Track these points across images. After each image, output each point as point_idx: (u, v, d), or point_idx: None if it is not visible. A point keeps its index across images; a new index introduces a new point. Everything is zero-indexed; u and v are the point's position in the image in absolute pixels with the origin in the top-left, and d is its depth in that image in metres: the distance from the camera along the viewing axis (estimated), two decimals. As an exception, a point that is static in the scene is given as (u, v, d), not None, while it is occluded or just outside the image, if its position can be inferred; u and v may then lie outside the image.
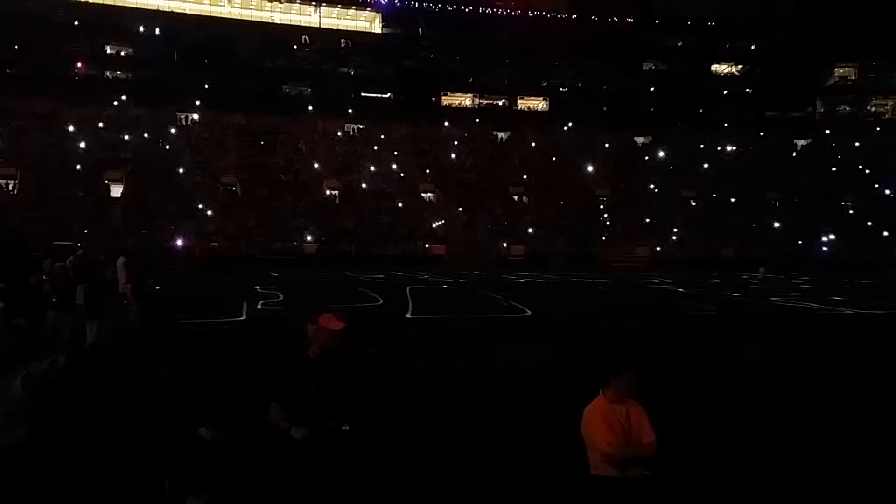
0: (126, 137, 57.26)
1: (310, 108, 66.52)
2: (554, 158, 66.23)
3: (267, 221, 52.52)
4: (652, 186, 63.34)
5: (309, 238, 52.42)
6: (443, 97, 72.82)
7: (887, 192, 59.32)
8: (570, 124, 70.14)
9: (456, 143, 67.55)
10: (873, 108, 72.33)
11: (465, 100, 74.19)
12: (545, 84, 74.10)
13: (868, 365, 12.75)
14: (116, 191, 53.56)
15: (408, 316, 19.71)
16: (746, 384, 10.88)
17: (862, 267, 46.97)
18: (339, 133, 66.63)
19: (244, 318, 18.57)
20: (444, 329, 17.16)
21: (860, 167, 64.10)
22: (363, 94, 69.54)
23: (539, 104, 74.97)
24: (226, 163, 58.64)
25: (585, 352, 13.33)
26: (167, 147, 58.34)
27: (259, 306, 21.04)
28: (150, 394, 9.27)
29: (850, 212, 60.21)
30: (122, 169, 54.07)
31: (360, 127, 67.97)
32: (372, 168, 61.70)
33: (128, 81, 63.81)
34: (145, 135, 58.27)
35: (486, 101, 74.41)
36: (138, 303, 13.24)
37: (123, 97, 61.04)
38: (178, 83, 61.50)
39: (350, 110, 67.82)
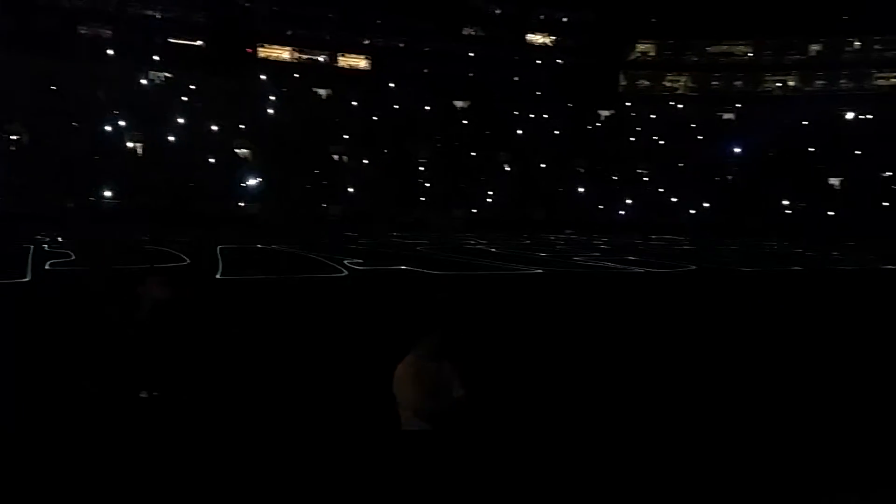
0: None
1: (110, 52, 60.93)
2: (375, 118, 65.84)
3: (59, 176, 47.63)
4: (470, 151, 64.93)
5: (108, 194, 48.36)
6: (259, 49, 69.63)
7: (679, 163, 64.96)
8: (391, 85, 69.90)
9: (273, 98, 65.05)
10: (668, 84, 78.62)
11: (284, 53, 71.45)
12: (367, 42, 73.12)
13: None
14: None
15: (217, 277, 18.73)
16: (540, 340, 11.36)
17: (656, 230, 51.54)
18: (144, 81, 61.76)
19: (28, 279, 16.76)
20: (252, 289, 16.51)
21: (655, 138, 69.62)
22: (171, 40, 64.80)
23: (361, 62, 73.91)
24: (11, 110, 52.28)
25: (399, 312, 13.29)
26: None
27: (47, 266, 19.06)
28: None
29: (646, 179, 65.36)
30: None
31: (168, 76, 63.40)
32: (181, 121, 57.90)
33: None
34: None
35: (305, 57, 72.14)
36: None
37: None
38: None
39: (156, 57, 62.99)
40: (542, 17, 77.76)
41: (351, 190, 56.23)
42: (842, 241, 43.43)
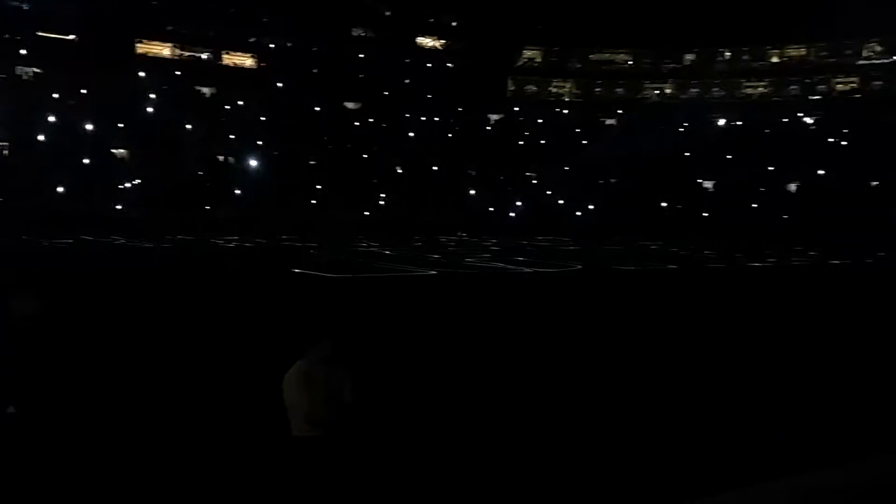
0: None
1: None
2: (263, 119, 64.19)
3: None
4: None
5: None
6: (138, 46, 66.45)
7: (565, 166, 66.98)
8: (280, 84, 68.42)
9: (153, 96, 62.24)
10: (554, 89, 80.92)
11: (164, 50, 68.49)
12: (254, 40, 71.22)
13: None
14: None
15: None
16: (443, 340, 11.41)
17: (543, 231, 52.95)
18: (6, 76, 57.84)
19: None
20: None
21: (542, 142, 71.49)
22: (41, 33, 60.83)
23: (247, 61, 71.91)
24: None
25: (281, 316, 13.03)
26: None
27: None
28: None
29: (534, 182, 66.98)
30: None
31: (37, 71, 59.50)
32: (52, 119, 54.43)
33: None
34: None
35: (188, 54, 69.42)
36: None
37: None
38: None
39: (23, 51, 59.00)
40: (431, 20, 78.20)
41: (238, 192, 54.57)
42: (713, 241, 46.15)
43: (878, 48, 72.35)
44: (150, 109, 60.92)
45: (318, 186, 59.02)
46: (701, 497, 5.49)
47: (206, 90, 67.36)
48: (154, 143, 55.47)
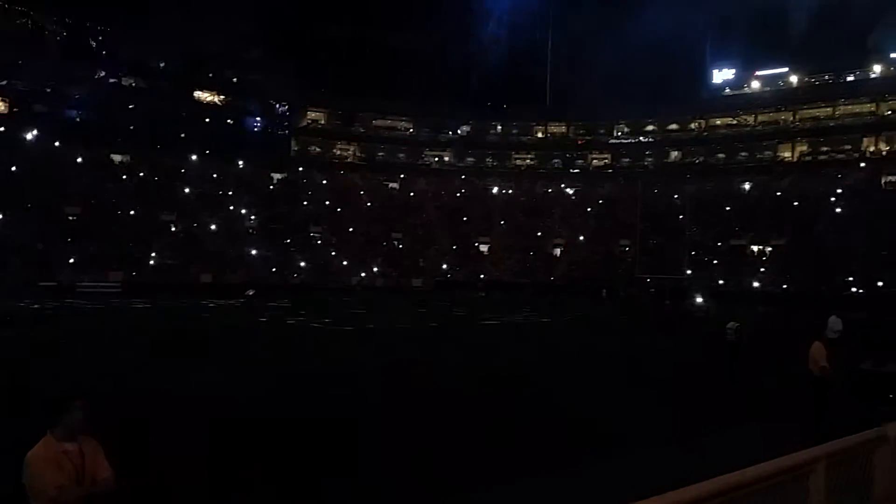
0: None
1: None
2: (14, 169, 57.42)
3: None
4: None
5: None
6: None
7: (350, 228, 67.25)
8: (34, 131, 61.95)
9: None
10: (339, 151, 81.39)
11: None
12: (4, 83, 63.90)
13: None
14: None
15: None
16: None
17: (332, 291, 52.34)
18: None
19: None
20: None
21: (327, 202, 71.30)
22: None
23: (-5, 104, 64.28)
24: None
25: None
26: None
27: None
28: None
29: (318, 242, 66.32)
30: None
31: None
32: None
33: None
34: None
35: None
36: None
37: None
38: None
39: None
40: (210, 74, 75.48)
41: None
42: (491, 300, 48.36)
43: (626, 129, 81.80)
44: None
45: (79, 244, 53.62)
46: None
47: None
48: None
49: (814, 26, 66.85)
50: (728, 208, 66.92)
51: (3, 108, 63.78)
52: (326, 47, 79.88)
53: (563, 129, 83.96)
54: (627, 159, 79.96)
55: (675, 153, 78.37)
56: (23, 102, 63.31)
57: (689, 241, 60.32)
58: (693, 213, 62.43)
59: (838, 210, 61.22)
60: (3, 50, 60.65)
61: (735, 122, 76.57)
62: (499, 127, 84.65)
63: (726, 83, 78.65)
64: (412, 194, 76.71)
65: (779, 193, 66.56)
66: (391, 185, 78.77)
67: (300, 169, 76.33)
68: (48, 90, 65.09)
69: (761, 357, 18.28)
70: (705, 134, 77.47)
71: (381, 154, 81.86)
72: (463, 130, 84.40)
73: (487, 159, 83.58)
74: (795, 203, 63.76)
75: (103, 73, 68.75)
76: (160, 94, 69.88)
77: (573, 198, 77.04)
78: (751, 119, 75.71)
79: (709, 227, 63.95)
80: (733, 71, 78.00)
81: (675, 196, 68.61)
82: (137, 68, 70.40)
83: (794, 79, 73.63)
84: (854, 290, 50.28)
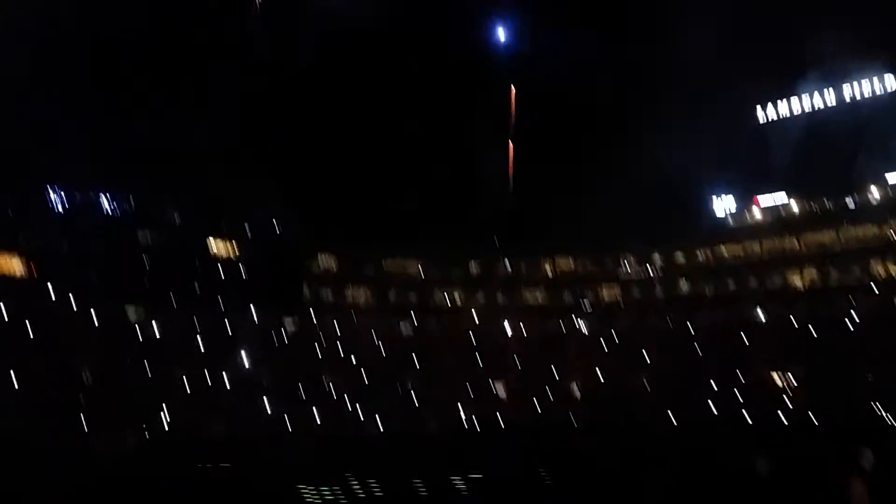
0: None
1: None
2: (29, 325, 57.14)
3: None
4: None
5: None
6: None
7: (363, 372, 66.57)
8: (49, 288, 62.18)
9: None
10: (349, 295, 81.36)
11: None
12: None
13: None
14: None
15: None
16: None
17: (341, 444, 50.68)
18: None
19: None
20: None
21: (339, 348, 70.74)
22: None
23: None
24: None
25: None
26: None
27: None
28: None
29: (331, 389, 65.26)
30: None
31: None
32: None
33: None
34: None
35: None
36: None
37: None
38: None
39: None
40: (223, 224, 76.83)
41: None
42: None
43: (633, 260, 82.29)
44: None
45: None
46: None
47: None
48: None
49: (810, 148, 69.10)
50: (744, 337, 66.21)
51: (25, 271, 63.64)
52: (335, 192, 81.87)
53: (571, 263, 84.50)
54: (638, 291, 79.95)
55: (685, 284, 78.48)
56: (40, 264, 63.70)
57: (710, 374, 59.43)
58: (709, 343, 61.91)
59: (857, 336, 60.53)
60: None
61: (742, 251, 77.11)
62: (507, 262, 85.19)
63: (727, 212, 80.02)
64: (423, 334, 76.39)
65: (794, 320, 65.97)
66: (403, 328, 78.32)
67: (311, 313, 76.02)
68: (63, 249, 65.89)
69: None
70: (713, 264, 77.85)
71: (392, 297, 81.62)
72: (472, 269, 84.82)
73: (498, 296, 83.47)
74: (812, 329, 63.09)
75: (118, 229, 69.91)
76: (174, 247, 70.91)
77: (587, 333, 76.52)
78: (756, 247, 76.33)
79: (726, 356, 63.13)
80: (732, 198, 79.70)
81: (690, 326, 68.26)
82: (152, 221, 71.79)
83: (794, 204, 74.76)
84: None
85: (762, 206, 77.03)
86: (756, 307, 70.12)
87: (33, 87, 61.11)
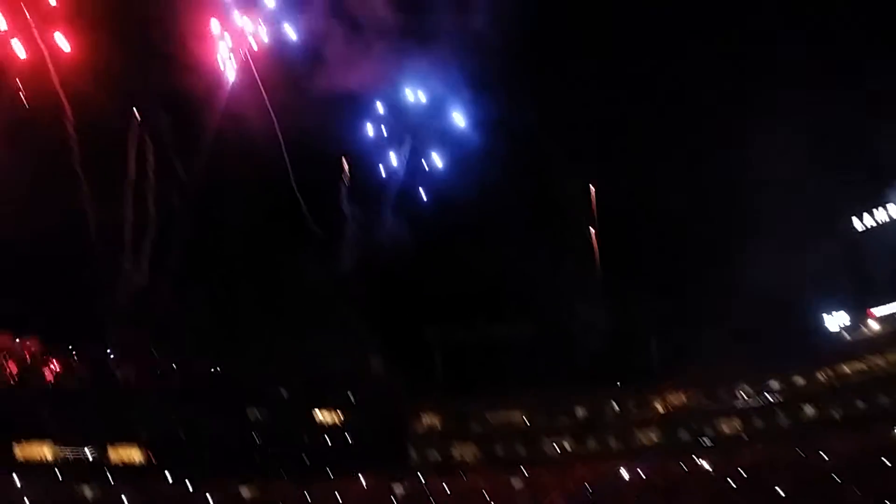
0: None
1: None
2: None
3: None
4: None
5: None
6: None
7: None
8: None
9: None
10: (456, 453, 79.77)
11: None
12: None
13: None
14: None
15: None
16: None
17: None
18: None
19: None
20: None
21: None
22: None
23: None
24: None
25: None
26: None
27: None
28: None
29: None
30: None
31: None
32: None
33: None
34: None
35: None
36: None
37: None
38: None
39: None
40: (328, 395, 78.62)
41: None
42: None
43: (749, 389, 78.01)
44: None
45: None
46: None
47: None
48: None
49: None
50: (886, 461, 60.58)
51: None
52: (434, 349, 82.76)
53: (682, 397, 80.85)
54: (760, 421, 75.11)
55: (810, 409, 73.39)
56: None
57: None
58: (848, 471, 57.00)
59: None
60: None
61: (865, 367, 72.27)
62: (615, 404, 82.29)
63: (842, 327, 76.10)
64: (535, 487, 73.29)
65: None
66: (514, 481, 75.60)
67: (419, 474, 74.91)
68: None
69: None
70: (836, 384, 72.93)
71: (498, 450, 79.59)
72: (579, 413, 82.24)
73: (609, 440, 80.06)
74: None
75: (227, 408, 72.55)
76: (282, 421, 72.82)
77: (711, 471, 71.66)
78: (881, 361, 71.42)
79: (869, 485, 57.68)
80: (843, 313, 76.02)
81: (823, 454, 63.25)
82: (261, 398, 74.38)
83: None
84: None
85: (877, 315, 72.95)
86: (893, 426, 64.61)
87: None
